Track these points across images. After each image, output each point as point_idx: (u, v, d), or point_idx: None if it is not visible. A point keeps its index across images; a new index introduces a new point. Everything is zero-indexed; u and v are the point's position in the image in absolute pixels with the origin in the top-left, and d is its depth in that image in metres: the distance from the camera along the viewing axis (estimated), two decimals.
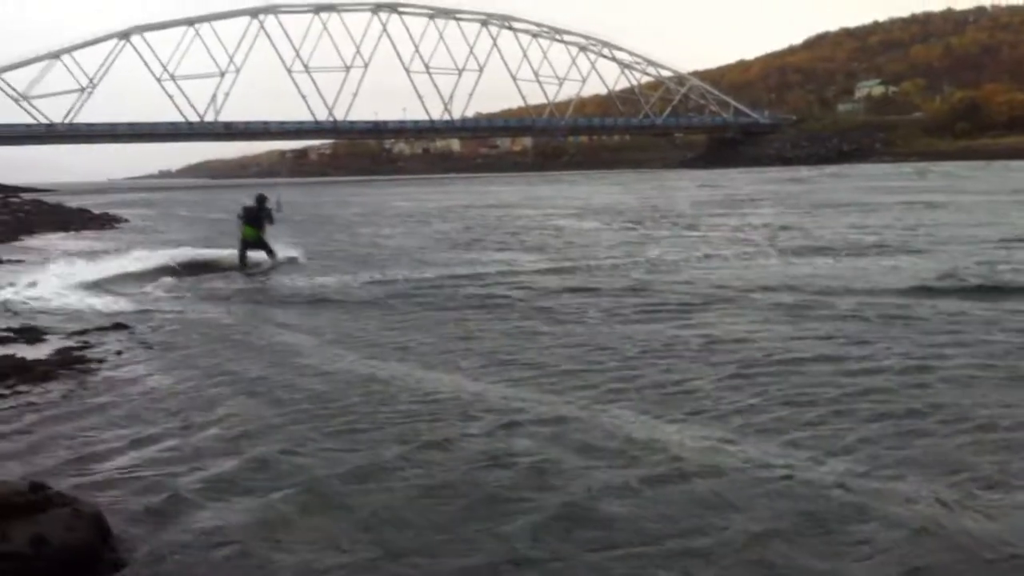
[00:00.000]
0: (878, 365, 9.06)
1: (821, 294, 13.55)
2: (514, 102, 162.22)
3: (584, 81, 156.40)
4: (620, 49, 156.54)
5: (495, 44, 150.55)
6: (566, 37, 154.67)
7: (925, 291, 13.46)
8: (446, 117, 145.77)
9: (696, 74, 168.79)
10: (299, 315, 13.69)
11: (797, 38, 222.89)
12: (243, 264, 20.59)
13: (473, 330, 11.89)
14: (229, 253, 21.35)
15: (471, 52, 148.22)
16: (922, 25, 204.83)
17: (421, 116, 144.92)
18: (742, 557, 5.02)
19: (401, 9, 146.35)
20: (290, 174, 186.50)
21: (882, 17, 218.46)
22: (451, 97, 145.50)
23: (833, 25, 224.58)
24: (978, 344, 9.84)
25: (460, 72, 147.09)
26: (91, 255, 21.21)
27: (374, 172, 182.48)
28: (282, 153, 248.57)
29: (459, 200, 57.68)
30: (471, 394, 8.49)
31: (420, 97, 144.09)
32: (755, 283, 14.98)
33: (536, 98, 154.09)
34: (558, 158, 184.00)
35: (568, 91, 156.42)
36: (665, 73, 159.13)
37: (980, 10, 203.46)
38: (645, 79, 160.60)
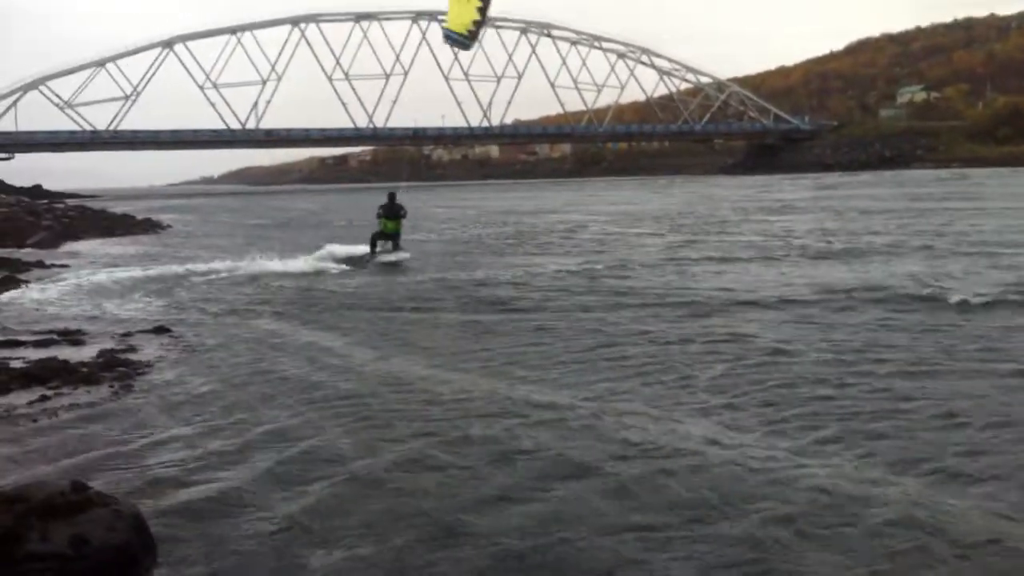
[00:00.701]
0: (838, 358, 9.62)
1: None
2: (552, 109, 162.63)
3: (623, 88, 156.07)
4: (659, 56, 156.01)
5: (534, 51, 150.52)
6: (605, 44, 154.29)
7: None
8: (485, 124, 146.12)
9: (736, 80, 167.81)
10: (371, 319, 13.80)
11: (839, 44, 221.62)
12: (373, 253, 23.65)
13: (498, 332, 12.17)
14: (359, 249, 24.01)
15: (510, 59, 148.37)
16: (965, 30, 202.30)
17: (460, 123, 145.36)
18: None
19: (441, 17, 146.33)
20: (328, 180, 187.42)
21: (924, 22, 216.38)
22: (490, 104, 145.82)
23: (875, 30, 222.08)
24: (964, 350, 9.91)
25: (499, 79, 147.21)
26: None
27: (413, 178, 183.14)
28: (321, 160, 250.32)
29: (499, 204, 57.77)
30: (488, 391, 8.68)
31: (459, 104, 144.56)
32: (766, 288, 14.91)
33: (574, 105, 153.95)
34: (596, 164, 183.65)
35: (607, 98, 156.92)
36: (704, 80, 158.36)
37: None
38: (684, 86, 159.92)
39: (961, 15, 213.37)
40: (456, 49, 18.21)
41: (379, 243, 23.94)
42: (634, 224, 34.71)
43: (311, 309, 14.81)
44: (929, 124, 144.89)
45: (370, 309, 14.66)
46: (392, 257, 23.34)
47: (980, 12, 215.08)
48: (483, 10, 18.62)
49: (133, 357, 10.87)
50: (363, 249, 23.87)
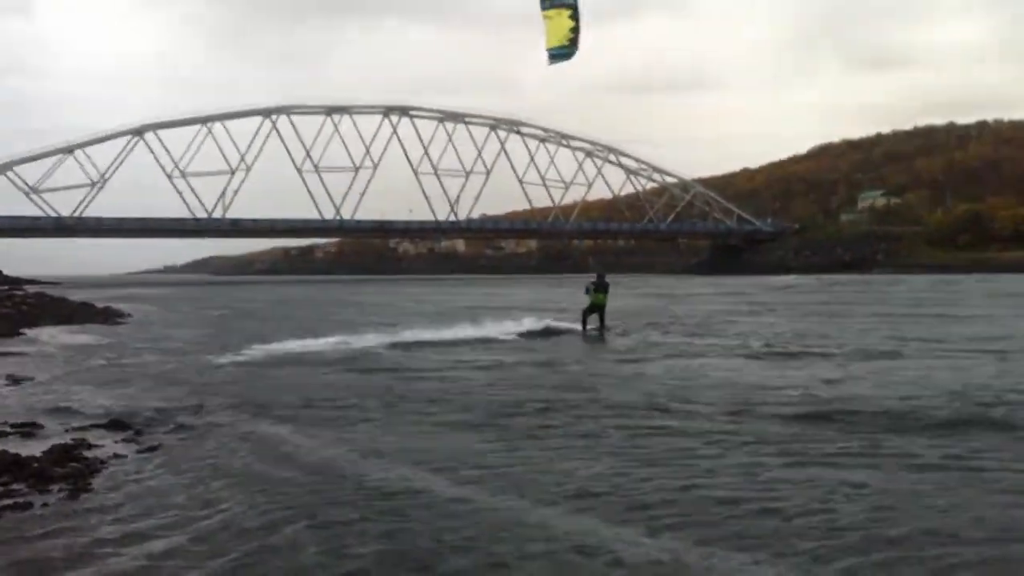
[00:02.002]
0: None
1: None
2: (520, 205, 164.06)
3: (590, 185, 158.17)
4: (625, 155, 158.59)
5: (503, 147, 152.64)
6: (572, 142, 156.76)
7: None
8: (452, 218, 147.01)
9: (701, 181, 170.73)
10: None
11: (802, 148, 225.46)
12: (585, 326, 27.34)
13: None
14: (567, 325, 27.94)
15: (479, 155, 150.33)
16: (925, 138, 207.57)
17: (427, 216, 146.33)
18: None
19: (412, 112, 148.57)
20: (293, 271, 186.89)
21: (885, 130, 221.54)
22: (458, 198, 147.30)
23: (837, 136, 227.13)
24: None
25: (468, 174, 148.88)
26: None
27: (379, 271, 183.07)
28: (287, 251, 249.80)
29: (466, 300, 57.30)
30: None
31: (427, 198, 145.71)
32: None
33: (542, 201, 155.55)
34: (563, 261, 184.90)
35: (574, 195, 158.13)
36: (670, 180, 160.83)
37: (982, 125, 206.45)
38: (650, 185, 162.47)
39: (922, 123, 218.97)
40: (556, 63, 20.22)
41: (590, 317, 27.58)
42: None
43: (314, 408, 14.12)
44: (890, 229, 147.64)
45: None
46: (597, 332, 26.94)
47: (940, 121, 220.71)
48: (575, 16, 20.36)
49: (88, 453, 10.22)
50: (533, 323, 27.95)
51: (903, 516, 7.51)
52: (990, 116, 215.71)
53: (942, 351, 20.68)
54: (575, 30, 20.32)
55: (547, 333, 26.83)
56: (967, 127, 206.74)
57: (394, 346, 23.22)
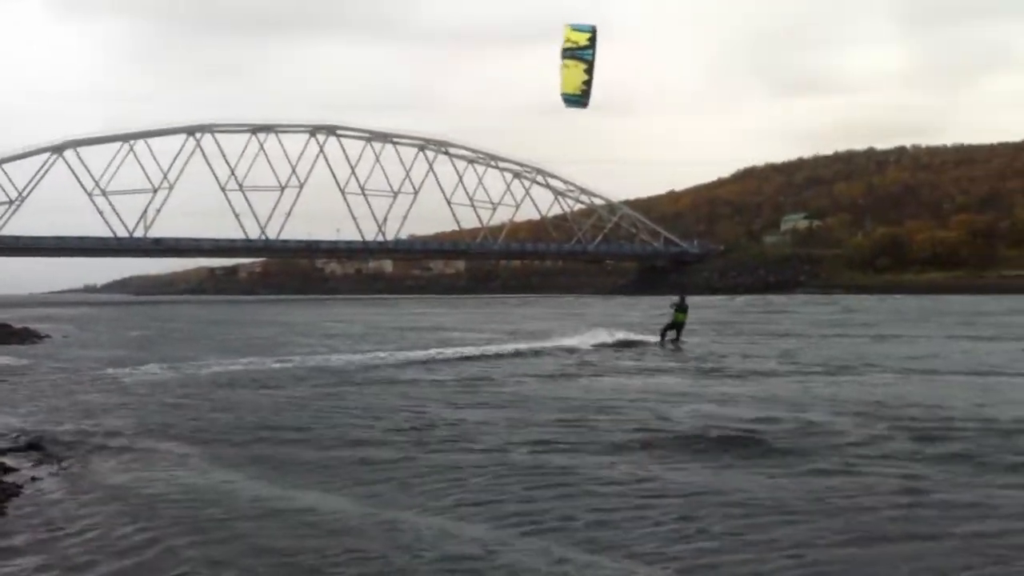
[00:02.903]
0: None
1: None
2: (448, 225, 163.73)
3: (518, 207, 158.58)
4: (554, 177, 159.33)
5: (431, 168, 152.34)
6: (501, 164, 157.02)
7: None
8: (379, 238, 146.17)
9: (628, 203, 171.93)
10: None
11: (727, 171, 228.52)
12: (663, 339, 31.27)
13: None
14: (639, 337, 32.02)
15: (407, 175, 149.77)
16: (845, 163, 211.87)
17: (355, 236, 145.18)
18: None
19: (339, 132, 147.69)
20: (217, 291, 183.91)
21: (807, 154, 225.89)
22: (385, 219, 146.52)
23: (760, 161, 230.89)
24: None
25: (395, 195, 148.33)
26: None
27: (305, 291, 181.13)
28: (211, 271, 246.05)
29: (394, 321, 56.89)
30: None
31: (355, 218, 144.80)
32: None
33: (470, 222, 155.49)
34: (490, 282, 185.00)
35: (502, 216, 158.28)
36: (597, 201, 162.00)
37: (901, 150, 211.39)
38: (578, 206, 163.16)
39: (842, 148, 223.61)
40: (571, 107, 21.12)
41: (668, 332, 31.48)
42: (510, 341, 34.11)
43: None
44: (812, 251, 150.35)
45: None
46: (672, 344, 30.61)
47: (860, 146, 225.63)
48: (589, 71, 21.61)
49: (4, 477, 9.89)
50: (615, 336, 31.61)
51: None
52: (908, 142, 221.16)
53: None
54: (588, 83, 21.58)
55: (626, 345, 30.29)
56: (886, 152, 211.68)
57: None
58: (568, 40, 21.88)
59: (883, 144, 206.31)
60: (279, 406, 16.43)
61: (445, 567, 7.14)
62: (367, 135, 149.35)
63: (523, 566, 7.15)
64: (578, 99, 22.07)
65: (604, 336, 31.41)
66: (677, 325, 31.67)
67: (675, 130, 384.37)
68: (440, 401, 16.99)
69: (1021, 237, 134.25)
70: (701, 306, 70.05)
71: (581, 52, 21.79)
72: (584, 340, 30.51)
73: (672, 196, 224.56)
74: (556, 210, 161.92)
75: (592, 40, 21.91)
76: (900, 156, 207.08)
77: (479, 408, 15.98)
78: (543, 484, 9.83)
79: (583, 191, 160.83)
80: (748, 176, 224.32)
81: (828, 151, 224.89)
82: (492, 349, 29.19)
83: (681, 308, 31.88)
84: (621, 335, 31.92)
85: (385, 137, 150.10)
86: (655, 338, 31.46)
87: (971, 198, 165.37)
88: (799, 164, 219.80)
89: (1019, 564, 7.21)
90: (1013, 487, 9.54)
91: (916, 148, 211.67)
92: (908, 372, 21.60)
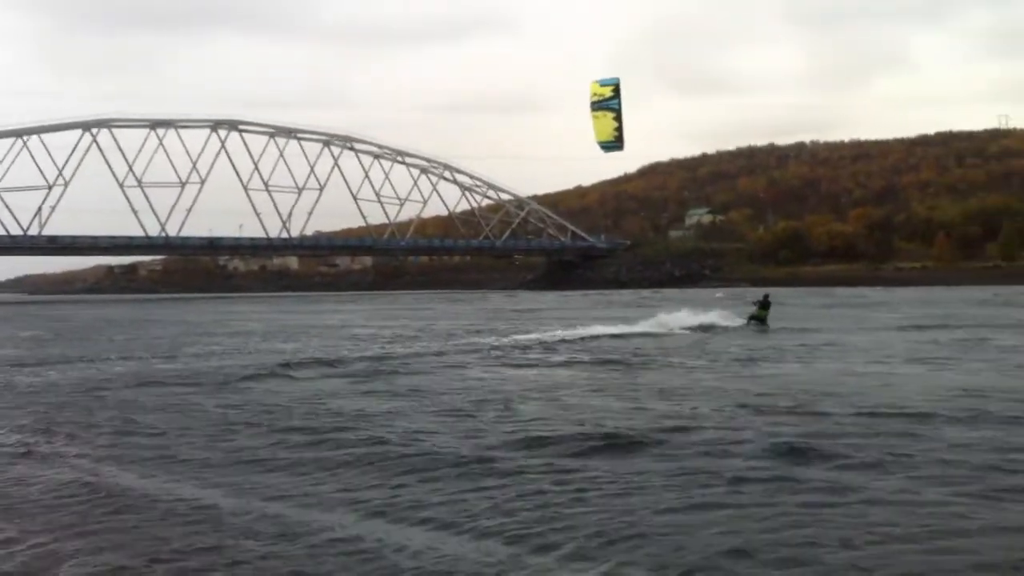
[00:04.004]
0: None
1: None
2: (355, 221, 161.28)
3: (425, 202, 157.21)
4: (461, 172, 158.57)
5: (336, 164, 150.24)
6: (408, 159, 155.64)
7: None
8: (284, 235, 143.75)
9: (535, 198, 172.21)
10: None
11: (632, 166, 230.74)
12: (748, 324, 34.86)
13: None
14: (736, 324, 35.01)
15: (312, 171, 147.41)
16: (747, 159, 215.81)
17: (258, 233, 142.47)
18: None
19: (241, 126, 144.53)
20: (116, 290, 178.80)
21: (711, 150, 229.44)
22: (290, 215, 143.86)
23: (665, 156, 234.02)
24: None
25: (300, 190, 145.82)
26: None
27: (208, 289, 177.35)
28: (110, 269, 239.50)
29: (300, 319, 55.83)
30: None
31: (258, 214, 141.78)
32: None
33: (377, 218, 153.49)
34: (398, 278, 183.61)
35: (409, 211, 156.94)
36: (505, 196, 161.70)
37: (800, 146, 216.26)
38: (486, 202, 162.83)
39: (744, 144, 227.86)
40: (610, 153, 25.44)
41: (752, 321, 34.93)
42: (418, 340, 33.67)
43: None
44: (715, 245, 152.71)
45: None
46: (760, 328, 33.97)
47: (761, 142, 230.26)
48: (618, 118, 24.33)
49: None
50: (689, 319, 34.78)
51: None
52: (807, 138, 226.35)
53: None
54: (619, 129, 24.37)
55: (709, 328, 33.63)
56: (786, 148, 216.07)
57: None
58: (595, 94, 24.90)
59: (783, 140, 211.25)
60: (171, 405, 16.07)
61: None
62: (270, 130, 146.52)
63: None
64: (613, 144, 25.23)
65: (712, 318, 35.46)
66: (759, 318, 35.04)
67: (582, 126, 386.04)
68: (341, 397, 16.65)
69: (915, 230, 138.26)
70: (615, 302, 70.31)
71: (607, 103, 24.63)
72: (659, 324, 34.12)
73: (579, 191, 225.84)
74: (464, 206, 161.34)
75: (616, 91, 24.83)
76: (800, 152, 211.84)
77: (367, 397, 15.85)
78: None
79: (491, 186, 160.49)
80: (653, 171, 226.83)
81: (731, 147, 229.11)
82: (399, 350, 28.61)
83: (764, 306, 35.39)
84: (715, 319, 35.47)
85: (289, 132, 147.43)
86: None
87: (868, 192, 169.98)
88: (703, 159, 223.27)
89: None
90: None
91: (815, 144, 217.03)
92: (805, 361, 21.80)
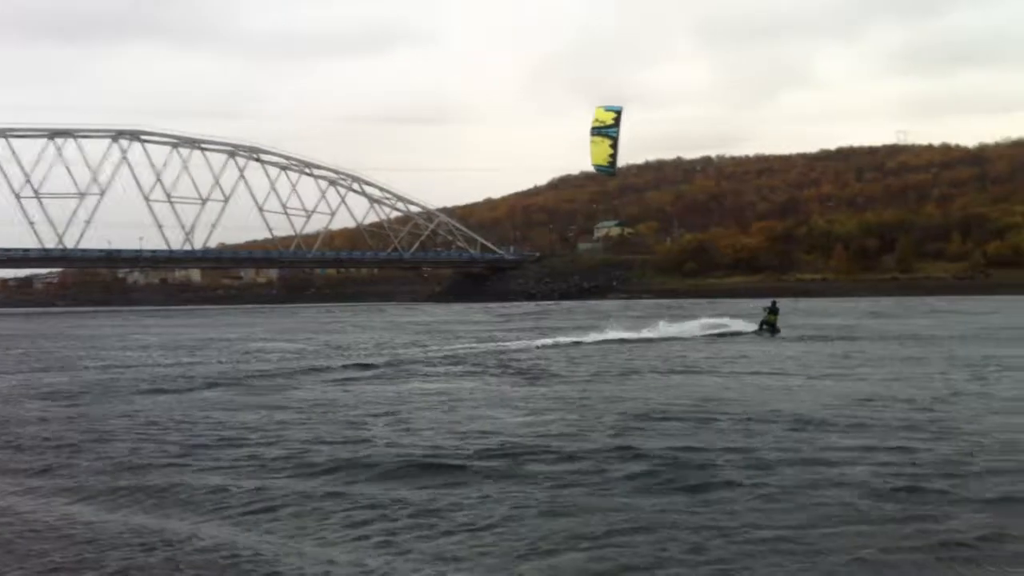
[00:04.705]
0: None
1: None
2: (260, 233, 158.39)
3: (333, 214, 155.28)
4: (370, 184, 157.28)
5: (242, 175, 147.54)
6: (315, 171, 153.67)
7: None
8: (187, 247, 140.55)
9: (445, 210, 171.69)
10: None
11: (542, 179, 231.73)
12: (760, 332, 37.30)
13: None
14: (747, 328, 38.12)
15: (216, 182, 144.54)
16: (655, 172, 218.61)
17: (160, 245, 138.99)
18: None
19: (144, 136, 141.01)
20: (9, 304, 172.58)
21: (620, 164, 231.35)
22: (193, 227, 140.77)
23: (575, 168, 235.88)
24: None
25: (204, 202, 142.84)
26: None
27: (107, 303, 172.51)
28: (3, 282, 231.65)
29: (201, 333, 54.46)
30: None
31: (160, 226, 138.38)
32: None
33: (284, 230, 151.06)
34: (305, 290, 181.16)
35: (317, 224, 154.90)
36: (414, 209, 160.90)
37: (706, 160, 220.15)
38: (395, 214, 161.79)
39: (652, 158, 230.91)
40: (603, 175, 28.61)
41: (764, 327, 37.44)
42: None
43: None
44: (624, 257, 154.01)
45: None
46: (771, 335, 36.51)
47: (669, 156, 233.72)
48: (614, 145, 25.82)
49: None
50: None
51: None
52: (714, 152, 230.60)
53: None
54: (613, 156, 26.06)
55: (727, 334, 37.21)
56: (693, 162, 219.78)
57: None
58: (597, 120, 26.40)
59: (690, 154, 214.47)
60: (54, 419, 15.77)
61: None
62: (174, 140, 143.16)
63: None
64: (606, 169, 27.16)
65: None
66: (770, 323, 37.63)
67: (493, 139, 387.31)
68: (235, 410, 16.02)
69: (817, 243, 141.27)
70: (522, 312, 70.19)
71: (607, 130, 26.17)
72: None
73: (489, 204, 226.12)
74: (373, 218, 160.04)
75: (617, 120, 26.45)
76: (706, 165, 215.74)
77: (254, 411, 15.56)
78: None
79: (400, 198, 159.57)
80: (563, 184, 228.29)
81: (639, 160, 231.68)
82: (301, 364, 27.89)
83: (773, 311, 37.98)
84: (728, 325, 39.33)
85: (193, 142, 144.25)
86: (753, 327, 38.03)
87: (771, 205, 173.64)
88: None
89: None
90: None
91: (721, 158, 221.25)
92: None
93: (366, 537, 8.08)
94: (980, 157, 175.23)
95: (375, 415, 15.47)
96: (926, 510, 8.54)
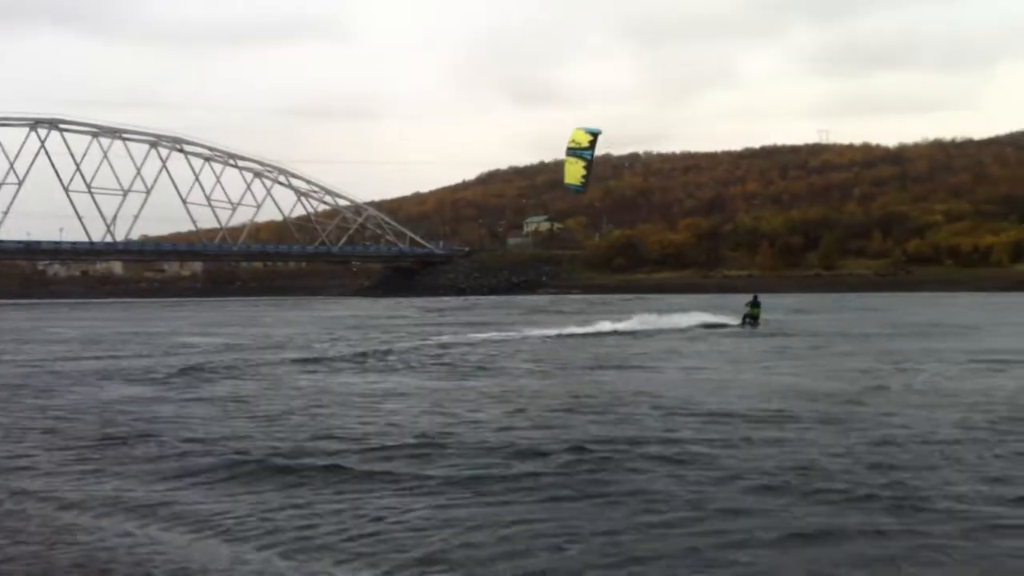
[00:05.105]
0: None
1: None
2: (184, 225, 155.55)
3: (259, 207, 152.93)
4: (297, 177, 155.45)
5: (165, 166, 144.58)
6: (241, 163, 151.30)
7: None
8: (108, 239, 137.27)
9: (373, 204, 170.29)
10: None
11: (471, 174, 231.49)
12: (743, 325, 38.51)
13: None
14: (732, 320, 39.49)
15: (139, 173, 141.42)
16: None
17: (80, 237, 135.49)
18: None
19: (62, 125, 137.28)
20: None
21: (548, 159, 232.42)
22: (115, 218, 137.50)
23: (504, 164, 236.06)
24: None
25: (126, 193, 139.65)
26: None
27: (26, 296, 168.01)
28: None
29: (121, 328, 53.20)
30: None
31: (80, 217, 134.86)
32: None
33: (208, 222, 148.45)
34: (230, 284, 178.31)
35: (242, 216, 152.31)
36: (342, 202, 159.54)
37: (634, 156, 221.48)
38: (322, 207, 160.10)
39: None
40: (572, 193, 30.27)
41: (748, 320, 38.88)
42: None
43: None
44: (553, 253, 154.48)
45: None
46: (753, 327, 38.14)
47: (598, 152, 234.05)
48: (588, 167, 27.41)
49: None
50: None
51: None
52: (642, 149, 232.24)
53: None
54: (586, 176, 27.80)
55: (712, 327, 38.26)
56: (621, 158, 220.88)
57: None
58: (573, 141, 27.71)
59: (619, 151, 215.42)
60: None
61: None
62: (94, 130, 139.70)
63: None
64: (579, 188, 29.66)
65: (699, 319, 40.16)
66: (753, 315, 39.26)
67: (422, 133, 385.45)
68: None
69: (742, 239, 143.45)
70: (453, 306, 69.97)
71: (582, 152, 27.57)
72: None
73: (418, 198, 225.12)
74: (300, 211, 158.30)
75: (593, 143, 27.92)
76: (634, 162, 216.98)
77: (171, 404, 15.12)
78: None
79: (328, 192, 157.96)
80: (492, 179, 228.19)
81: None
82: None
83: (755, 305, 39.77)
84: (708, 317, 40.41)
85: (114, 132, 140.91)
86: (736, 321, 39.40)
87: (698, 202, 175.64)
88: (541, 168, 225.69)
89: None
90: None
91: (649, 155, 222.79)
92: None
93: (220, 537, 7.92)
94: (900, 157, 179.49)
95: (287, 412, 15.15)
96: (782, 504, 8.58)
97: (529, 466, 10.18)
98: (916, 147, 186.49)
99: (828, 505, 8.50)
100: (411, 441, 11.84)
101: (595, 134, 27.43)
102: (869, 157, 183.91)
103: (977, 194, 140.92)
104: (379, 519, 8.22)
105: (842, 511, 8.27)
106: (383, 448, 11.43)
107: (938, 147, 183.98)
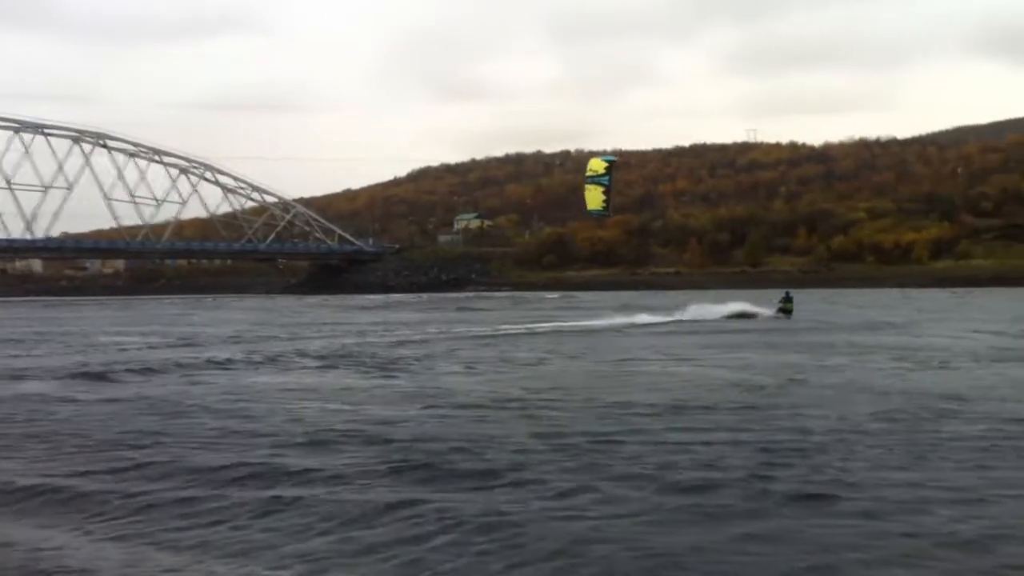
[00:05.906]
0: None
1: None
2: (106, 222, 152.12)
3: (184, 203, 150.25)
4: (223, 173, 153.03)
5: (87, 162, 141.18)
6: (166, 158, 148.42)
7: None
8: (27, 236, 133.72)
9: (302, 201, 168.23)
10: None
11: (402, 171, 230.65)
12: (777, 315, 41.19)
13: None
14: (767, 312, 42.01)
15: (60, 169, 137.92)
16: (516, 165, 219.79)
17: None
18: None
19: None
20: None
21: (480, 156, 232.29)
22: (34, 215, 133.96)
23: (435, 160, 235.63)
24: None
25: (46, 189, 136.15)
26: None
27: None
28: None
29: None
30: None
31: None
32: None
33: (132, 219, 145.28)
34: (153, 282, 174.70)
35: (167, 213, 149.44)
36: (270, 199, 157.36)
37: (565, 154, 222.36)
38: (249, 204, 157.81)
39: (512, 151, 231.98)
40: (596, 216, 32.84)
41: (780, 313, 41.74)
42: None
43: None
44: (483, 250, 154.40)
45: None
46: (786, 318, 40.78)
47: (528, 149, 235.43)
48: (607, 192, 28.53)
49: None
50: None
51: None
52: (572, 146, 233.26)
53: None
54: (606, 201, 28.79)
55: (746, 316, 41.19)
56: (552, 156, 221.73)
57: None
58: (591, 170, 29.56)
59: (550, 148, 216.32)
60: None
61: None
62: (15, 125, 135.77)
63: None
64: (602, 212, 31.27)
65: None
66: (786, 309, 41.94)
67: (351, 129, 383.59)
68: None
69: (671, 237, 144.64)
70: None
71: (600, 179, 29.10)
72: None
73: (348, 194, 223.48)
74: (226, 208, 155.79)
75: (609, 169, 29.63)
76: (565, 159, 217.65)
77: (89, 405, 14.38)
78: None
79: (255, 188, 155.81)
80: (423, 176, 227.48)
81: (500, 153, 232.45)
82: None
83: (788, 300, 42.71)
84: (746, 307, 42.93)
85: (36, 127, 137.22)
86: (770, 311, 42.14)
87: (628, 199, 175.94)
88: (472, 165, 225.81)
89: None
90: None
91: (579, 152, 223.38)
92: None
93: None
94: (825, 155, 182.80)
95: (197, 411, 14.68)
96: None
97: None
98: (841, 146, 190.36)
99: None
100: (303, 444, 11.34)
101: (611, 162, 28.66)
102: (795, 156, 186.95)
103: (900, 192, 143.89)
104: None
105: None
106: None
107: (863, 146, 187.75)
